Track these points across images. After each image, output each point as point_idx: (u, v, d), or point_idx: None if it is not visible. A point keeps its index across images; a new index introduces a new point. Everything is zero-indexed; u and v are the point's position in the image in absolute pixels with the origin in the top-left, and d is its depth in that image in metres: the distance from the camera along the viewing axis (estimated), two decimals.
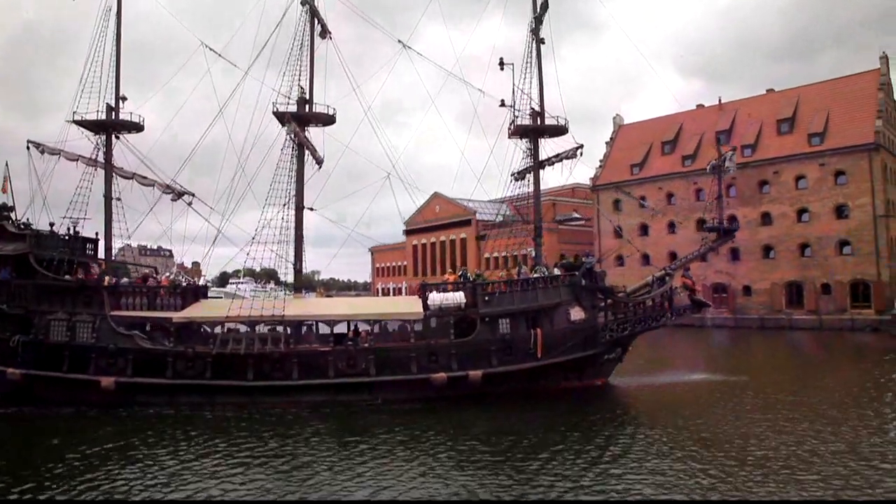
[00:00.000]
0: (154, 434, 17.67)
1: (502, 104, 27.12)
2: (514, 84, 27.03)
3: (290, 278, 26.64)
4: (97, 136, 25.09)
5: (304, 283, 37.10)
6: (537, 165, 28.01)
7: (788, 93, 53.46)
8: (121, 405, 20.80)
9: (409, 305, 24.14)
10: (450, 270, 31.08)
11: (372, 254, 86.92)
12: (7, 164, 24.77)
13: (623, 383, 26.46)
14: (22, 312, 22.20)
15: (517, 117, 27.11)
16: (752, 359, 36.75)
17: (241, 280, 58.50)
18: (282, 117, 24.51)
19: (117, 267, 27.21)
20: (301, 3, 24.75)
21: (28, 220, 24.65)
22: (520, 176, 29.13)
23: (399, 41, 26.43)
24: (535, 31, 28.11)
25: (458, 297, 23.05)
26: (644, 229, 57.80)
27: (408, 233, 76.25)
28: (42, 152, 24.92)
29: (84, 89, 24.22)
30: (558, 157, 27.70)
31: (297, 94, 24.65)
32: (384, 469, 14.22)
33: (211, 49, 24.85)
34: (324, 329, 23.43)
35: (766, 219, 51.76)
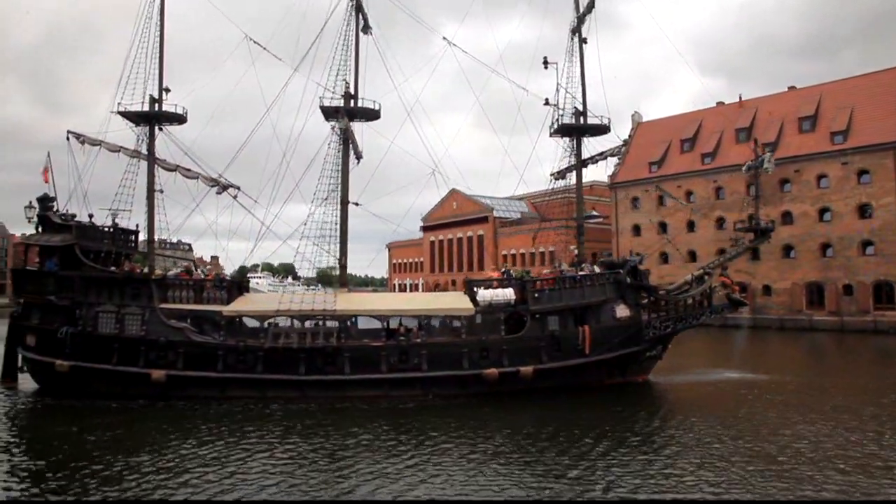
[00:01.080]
0: (204, 427, 17.69)
1: (546, 103, 27.37)
2: (557, 82, 27.29)
3: (312, 273, 26.76)
4: (139, 128, 25.11)
5: (322, 279, 37.14)
6: (580, 164, 28.25)
7: (810, 90, 53.40)
8: (170, 398, 20.85)
9: (456, 301, 24.26)
10: (493, 267, 31.29)
11: (389, 250, 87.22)
12: (49, 155, 24.80)
13: (661, 380, 26.78)
14: (69, 304, 22.20)
15: (561, 116, 27.36)
16: (778, 359, 37.03)
17: (259, 275, 58.43)
18: (329, 111, 24.60)
19: (137, 260, 27.13)
20: None
21: (67, 210, 24.71)
22: (560, 175, 29.39)
23: (444, 38, 26.61)
24: (576, 31, 28.32)
25: (508, 294, 23.26)
26: (662, 227, 58.13)
27: (425, 229, 76.38)
28: (82, 143, 24.86)
29: (127, 81, 24.22)
30: (602, 155, 27.95)
31: (343, 89, 24.75)
32: (440, 465, 14.16)
33: (255, 42, 24.89)
34: (361, 324, 23.63)
35: (786, 218, 52.01)
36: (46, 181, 24.63)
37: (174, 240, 26.96)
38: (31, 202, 23.92)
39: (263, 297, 24.54)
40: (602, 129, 28.27)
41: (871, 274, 47.09)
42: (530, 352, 22.82)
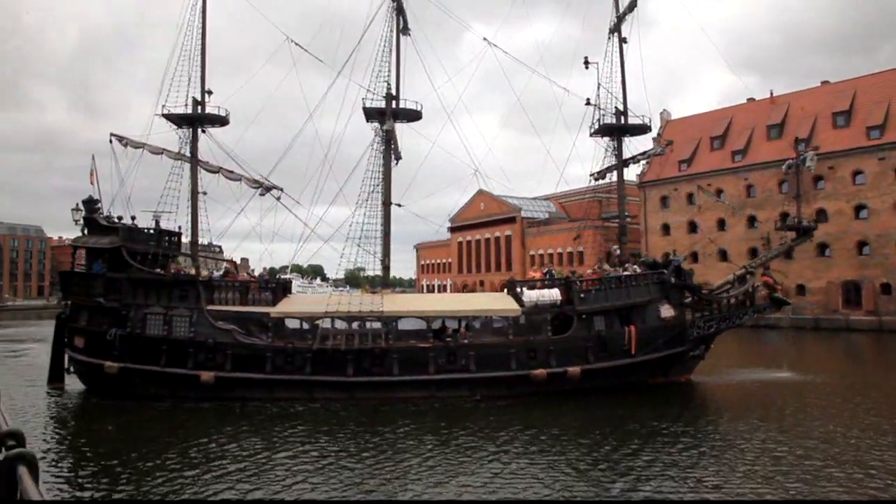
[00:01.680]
0: (253, 428, 17.83)
1: (588, 103, 27.39)
2: (598, 82, 27.31)
3: (341, 275, 26.94)
4: (181, 130, 25.42)
5: (350, 280, 37.24)
6: (621, 164, 28.22)
7: (845, 84, 52.44)
8: (218, 399, 20.99)
9: (500, 302, 24.28)
10: (534, 268, 31.34)
11: (417, 251, 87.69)
12: (94, 158, 25.10)
13: (702, 380, 26.60)
14: (117, 305, 22.47)
15: (603, 115, 27.36)
16: (818, 359, 36.61)
17: (288, 276, 58.81)
18: (371, 113, 24.72)
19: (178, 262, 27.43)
20: None
21: (110, 212, 25.05)
22: (600, 175, 29.37)
23: (484, 38, 26.67)
24: (614, 30, 28.26)
25: (554, 294, 23.24)
26: (692, 227, 57.66)
27: (452, 230, 76.50)
28: (125, 145, 25.21)
29: (171, 84, 24.54)
30: (645, 155, 27.90)
31: (384, 90, 24.86)
32: (517, 464, 14.18)
33: (296, 44, 25.10)
34: (403, 325, 23.69)
35: (821, 216, 51.23)
36: (92, 183, 24.99)
37: (205, 241, 27.11)
38: (77, 204, 24.27)
39: (308, 299, 24.71)
40: (643, 129, 28.30)
41: None
42: (577, 352, 22.78)
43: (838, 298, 50.41)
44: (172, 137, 25.45)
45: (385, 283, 24.94)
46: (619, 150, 28.13)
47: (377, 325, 22.39)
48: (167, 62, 24.96)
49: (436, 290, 78.01)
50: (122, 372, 21.76)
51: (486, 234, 71.97)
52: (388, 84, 24.84)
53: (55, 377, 24.73)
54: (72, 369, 24.43)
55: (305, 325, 23.82)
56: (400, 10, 24.93)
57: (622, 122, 27.77)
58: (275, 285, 23.58)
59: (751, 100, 57.70)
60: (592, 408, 20.67)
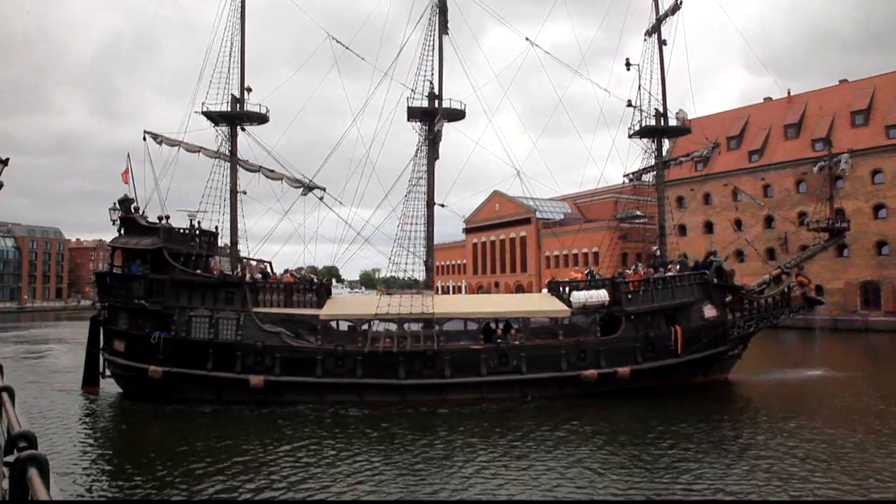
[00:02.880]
0: (308, 431, 18.02)
1: (629, 104, 27.81)
2: (639, 84, 27.77)
3: (356, 276, 27.10)
4: (218, 127, 25.31)
5: (365, 281, 37.17)
6: (661, 165, 28.67)
7: (863, 83, 53.10)
8: (267, 403, 21.04)
9: (546, 302, 24.59)
10: (576, 268, 31.73)
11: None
12: (129, 156, 24.91)
13: (740, 379, 27.11)
14: (160, 308, 22.42)
15: (644, 117, 27.82)
16: (842, 358, 37.21)
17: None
18: (415, 112, 24.86)
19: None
20: None
21: (144, 212, 24.94)
22: (636, 176, 29.84)
23: (527, 38, 26.92)
24: (652, 32, 28.68)
25: (602, 295, 23.57)
26: (709, 227, 58.30)
27: (467, 231, 76.87)
28: (160, 143, 25.08)
29: (210, 82, 24.55)
30: (688, 156, 28.36)
31: (427, 90, 25.05)
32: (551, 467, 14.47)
33: (338, 41, 25.22)
34: (449, 326, 23.92)
35: (839, 215, 52.09)
36: (126, 182, 24.80)
37: (226, 242, 27.07)
38: (115, 204, 24.18)
39: (354, 301, 24.84)
40: (683, 131, 28.80)
41: None
42: (626, 352, 23.16)
43: (857, 299, 51.07)
44: (204, 136, 25.45)
45: (428, 284, 25.09)
46: (658, 152, 28.57)
47: (415, 326, 22.66)
48: (203, 60, 25.04)
49: (451, 292, 78.29)
50: (166, 376, 21.72)
51: (500, 235, 72.33)
52: (431, 83, 25.04)
53: (90, 381, 24.56)
54: (107, 373, 24.43)
55: (344, 327, 24.00)
56: (443, 10, 25.11)
57: (662, 123, 28.21)
58: (318, 287, 23.67)
59: (768, 99, 58.37)
60: (641, 407, 21.01)
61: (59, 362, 33.93)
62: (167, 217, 24.37)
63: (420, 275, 24.67)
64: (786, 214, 54.55)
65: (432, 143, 24.86)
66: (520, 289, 65.13)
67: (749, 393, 25.23)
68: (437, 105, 25.00)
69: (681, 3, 26.95)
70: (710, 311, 25.84)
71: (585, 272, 27.58)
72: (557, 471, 14.05)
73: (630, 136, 29.08)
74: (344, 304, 23.69)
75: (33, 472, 2.40)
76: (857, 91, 52.71)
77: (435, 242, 29.01)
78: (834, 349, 41.51)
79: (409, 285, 26.84)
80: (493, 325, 23.57)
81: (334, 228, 25.63)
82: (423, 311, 22.14)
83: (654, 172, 29.47)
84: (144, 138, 24.88)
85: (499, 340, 22.46)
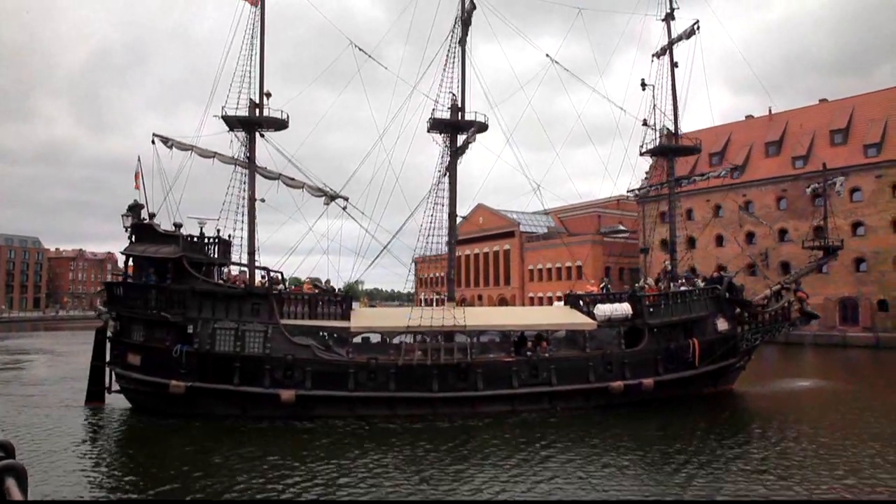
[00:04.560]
0: (342, 446, 18.49)
1: (644, 123, 29.74)
2: (653, 104, 29.75)
3: (340, 285, 27.82)
4: (234, 133, 25.52)
5: (350, 293, 38.07)
6: (673, 182, 30.68)
7: (842, 102, 56.85)
8: (297, 418, 21.35)
9: (571, 315, 25.99)
10: (591, 282, 33.33)
11: (415, 264, 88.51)
12: (139, 160, 24.91)
13: (743, 390, 29.17)
14: (181, 320, 22.50)
15: (657, 137, 29.82)
16: (827, 370, 40.02)
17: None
18: (437, 124, 25.93)
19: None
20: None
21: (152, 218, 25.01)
22: (643, 193, 31.93)
23: (547, 55, 28.46)
24: (661, 54, 30.81)
25: (626, 308, 25.13)
26: (691, 242, 61.14)
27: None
28: (171, 147, 25.14)
29: (230, 86, 24.97)
30: (704, 176, 30.54)
31: (450, 101, 26.21)
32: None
33: (360, 49, 26.13)
34: (461, 339, 24.99)
35: (818, 232, 55.61)
36: (137, 188, 24.83)
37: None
38: (127, 210, 24.24)
39: (381, 313, 25.65)
40: (693, 150, 30.97)
41: None
42: (649, 364, 24.75)
43: (836, 315, 54.40)
44: (216, 141, 25.72)
45: (451, 295, 26.11)
46: (671, 170, 30.61)
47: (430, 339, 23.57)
48: (219, 64, 25.57)
49: (434, 304, 79.24)
50: (189, 391, 21.74)
51: (484, 248, 73.87)
52: (454, 95, 26.23)
53: (95, 396, 24.35)
54: (113, 388, 24.37)
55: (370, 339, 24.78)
56: (467, 24, 26.37)
57: (674, 142, 30.29)
58: (342, 299, 24.28)
59: (749, 117, 61.89)
60: (664, 418, 22.44)
61: (34, 373, 33.42)
62: (181, 225, 24.22)
63: (407, 287, 25.70)
64: (766, 231, 57.84)
65: (454, 154, 26.03)
66: (503, 302, 66.73)
67: (758, 403, 27.29)
68: (459, 117, 26.21)
69: (698, 28, 29.05)
70: (722, 325, 27.87)
71: (601, 286, 29.23)
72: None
73: (641, 155, 31.06)
74: (371, 317, 24.43)
75: (11, 482, 2.50)
76: (836, 110, 56.54)
77: (420, 254, 30.22)
78: (817, 363, 44.53)
79: (394, 297, 27.77)
80: (522, 337, 24.74)
81: (352, 241, 26.42)
82: (454, 323, 23.12)
83: (668, 189, 31.30)
84: (153, 141, 24.76)
85: (528, 353, 23.68)
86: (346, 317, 23.72)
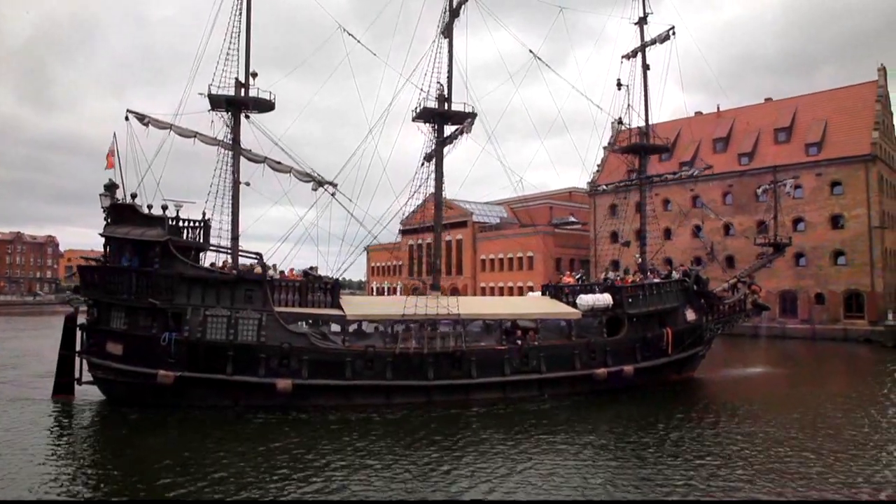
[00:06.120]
0: (339, 437, 19.22)
1: (619, 122, 32.12)
2: (629, 104, 32.22)
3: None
4: (217, 112, 25.35)
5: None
6: (644, 181, 33.24)
7: (787, 102, 60.75)
8: (293, 408, 21.93)
9: (556, 305, 28.03)
10: (568, 272, 35.40)
11: (368, 252, 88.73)
12: (115, 136, 24.02)
13: (701, 376, 32.36)
14: (168, 307, 22.37)
15: (629, 136, 32.36)
16: (776, 359, 44.10)
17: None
18: (424, 113, 27.15)
19: None
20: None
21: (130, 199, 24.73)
22: (614, 188, 34.58)
23: (530, 51, 30.11)
24: (632, 56, 33.36)
25: (607, 299, 27.32)
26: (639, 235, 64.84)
27: (404, 232, 78.50)
28: (147, 125, 24.81)
29: (217, 64, 25.17)
30: (676, 176, 33.17)
31: (437, 91, 27.43)
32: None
33: (350, 34, 26.92)
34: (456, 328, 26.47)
35: (761, 227, 60.16)
36: (111, 167, 24.13)
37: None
38: (105, 190, 24.00)
39: (372, 301, 26.72)
40: (664, 149, 33.65)
41: (843, 283, 55.66)
42: (629, 352, 27.07)
43: (776, 307, 59.15)
44: (195, 121, 25.59)
45: (435, 284, 27.42)
46: (642, 168, 33.27)
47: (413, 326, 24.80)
48: (200, 42, 25.76)
49: (386, 292, 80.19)
50: (178, 381, 21.79)
51: None
52: (441, 85, 27.48)
53: (63, 389, 23.95)
54: (84, 379, 24.19)
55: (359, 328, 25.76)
56: (455, 14, 27.61)
57: (644, 141, 32.87)
58: (332, 286, 25.02)
59: (699, 113, 66.02)
60: (642, 404, 24.82)
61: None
62: (167, 207, 23.80)
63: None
64: (713, 224, 61.97)
65: (441, 144, 27.36)
66: (455, 291, 68.53)
67: (719, 388, 30.33)
68: (445, 107, 27.51)
69: (674, 33, 31.59)
70: (691, 315, 30.63)
71: (577, 277, 31.49)
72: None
73: (612, 151, 33.59)
74: (363, 305, 25.46)
75: None
76: (780, 109, 61.24)
77: (371, 243, 31.50)
78: (761, 353, 48.71)
79: (344, 286, 28.87)
80: (508, 326, 26.49)
81: (339, 228, 27.15)
82: (449, 312, 24.54)
83: (640, 188, 33.89)
84: (127, 118, 24.42)
85: (518, 341, 25.44)
86: (337, 305, 24.55)
